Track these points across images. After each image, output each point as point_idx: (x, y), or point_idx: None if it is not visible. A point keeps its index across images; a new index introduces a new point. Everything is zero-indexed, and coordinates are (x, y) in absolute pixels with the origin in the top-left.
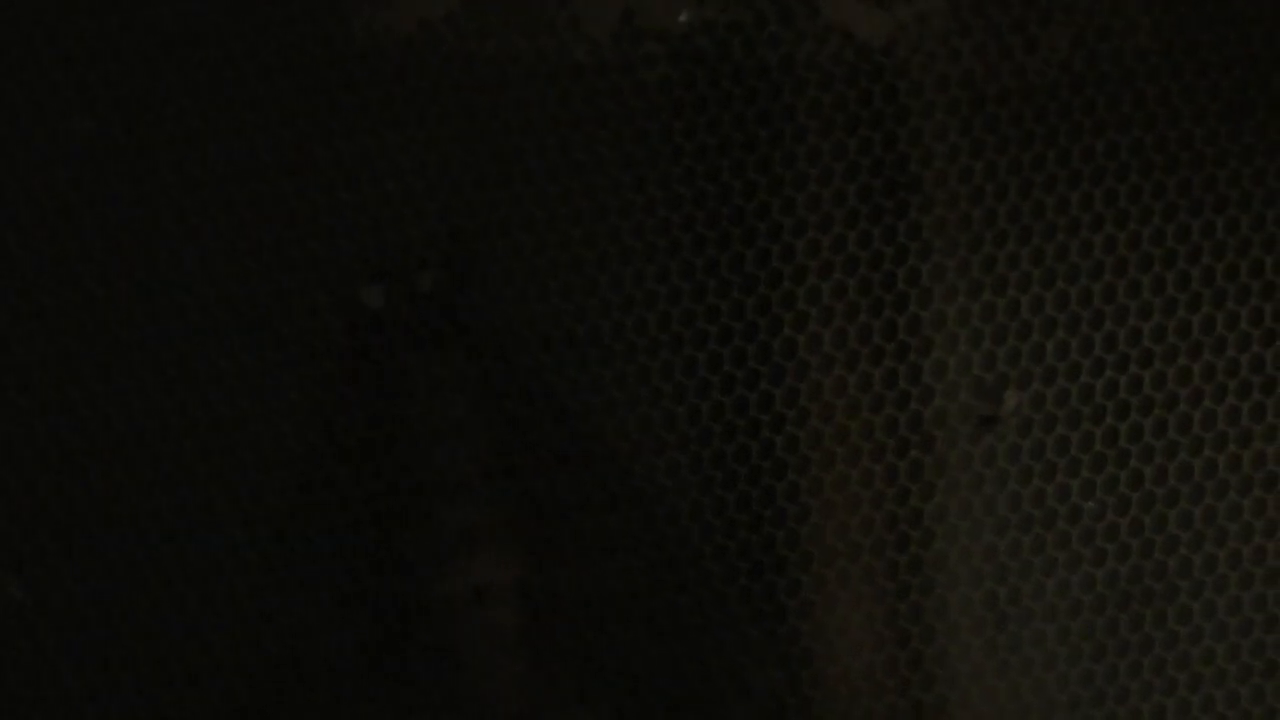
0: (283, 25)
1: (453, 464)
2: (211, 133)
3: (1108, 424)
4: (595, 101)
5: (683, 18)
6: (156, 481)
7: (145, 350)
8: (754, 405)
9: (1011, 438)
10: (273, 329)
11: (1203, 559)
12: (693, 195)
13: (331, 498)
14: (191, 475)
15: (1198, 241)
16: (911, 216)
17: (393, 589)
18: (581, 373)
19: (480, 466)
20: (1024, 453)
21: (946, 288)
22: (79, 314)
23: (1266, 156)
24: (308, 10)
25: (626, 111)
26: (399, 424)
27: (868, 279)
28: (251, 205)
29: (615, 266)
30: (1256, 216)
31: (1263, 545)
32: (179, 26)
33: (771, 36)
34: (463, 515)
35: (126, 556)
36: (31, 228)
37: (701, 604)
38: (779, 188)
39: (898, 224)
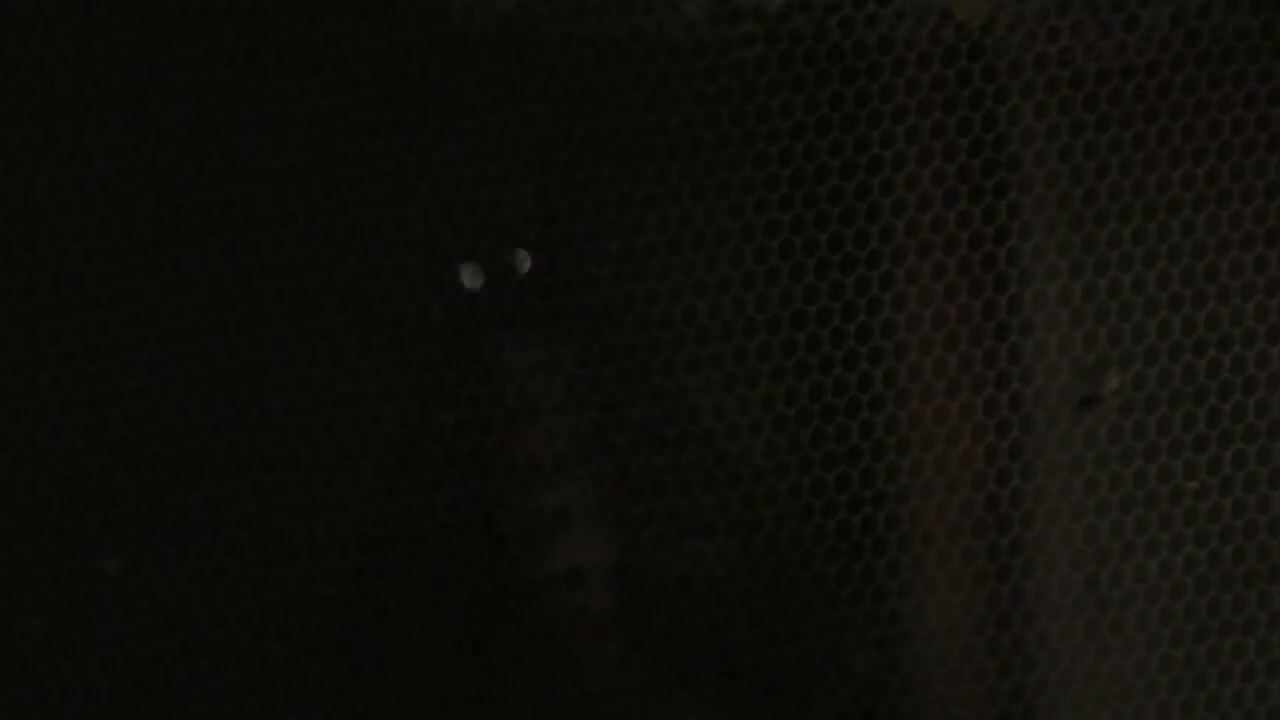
0: (381, 7)
1: (549, 445)
2: (309, 114)
3: (1210, 404)
4: (692, 81)
5: None
6: (255, 463)
7: (243, 332)
8: (853, 386)
9: (1113, 418)
10: (370, 311)
11: None
12: (790, 175)
13: (428, 480)
14: (290, 457)
15: None
16: (1012, 196)
17: (490, 571)
18: (678, 353)
19: (577, 448)
20: (1126, 433)
21: (1047, 267)
22: (179, 297)
23: None
24: None
25: (723, 91)
26: (496, 405)
27: (968, 259)
28: (349, 187)
29: (712, 247)
30: None
31: None
32: (277, 7)
33: (869, 16)
34: (560, 497)
35: (226, 538)
36: (129, 210)
37: (800, 585)
38: (878, 167)
39: (998, 203)
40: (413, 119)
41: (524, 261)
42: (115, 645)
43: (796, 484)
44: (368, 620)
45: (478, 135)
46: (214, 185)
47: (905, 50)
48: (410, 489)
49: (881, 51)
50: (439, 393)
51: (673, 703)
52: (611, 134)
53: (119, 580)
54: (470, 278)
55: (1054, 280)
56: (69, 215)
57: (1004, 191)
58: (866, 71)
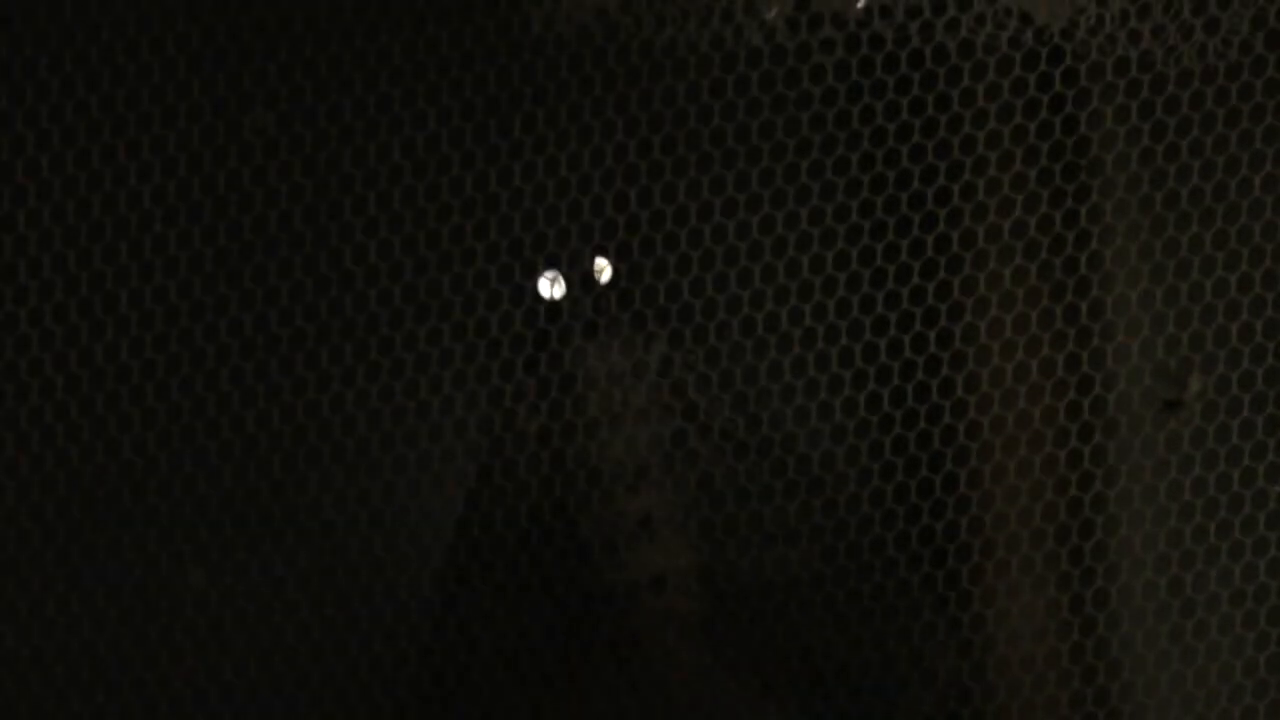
0: (462, 16)
1: (632, 453)
2: (391, 124)
3: None
4: (771, 87)
5: (860, 3)
6: (339, 474)
7: (324, 340)
8: (935, 391)
9: (1196, 422)
10: (452, 319)
11: None
12: (871, 180)
13: (512, 487)
14: (374, 468)
15: None
16: (1093, 200)
17: (573, 578)
18: (760, 360)
19: (660, 455)
20: (1209, 437)
21: (1129, 271)
22: (260, 305)
23: None
24: (487, 2)
25: (804, 97)
26: (578, 412)
27: (1049, 263)
28: (430, 196)
29: (793, 252)
30: None
31: None
32: (358, 20)
33: (950, 20)
34: (643, 504)
35: (310, 547)
36: (213, 221)
37: (883, 591)
38: (958, 173)
39: (1079, 208)
40: (493, 127)
41: (605, 269)
42: (199, 654)
43: (879, 490)
44: (452, 627)
45: (557, 143)
46: (295, 195)
47: (986, 55)
48: (494, 497)
49: (962, 56)
50: (521, 401)
51: (756, 708)
52: (691, 141)
53: (203, 591)
54: (551, 287)
55: (1136, 284)
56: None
57: (1085, 196)
58: (947, 76)
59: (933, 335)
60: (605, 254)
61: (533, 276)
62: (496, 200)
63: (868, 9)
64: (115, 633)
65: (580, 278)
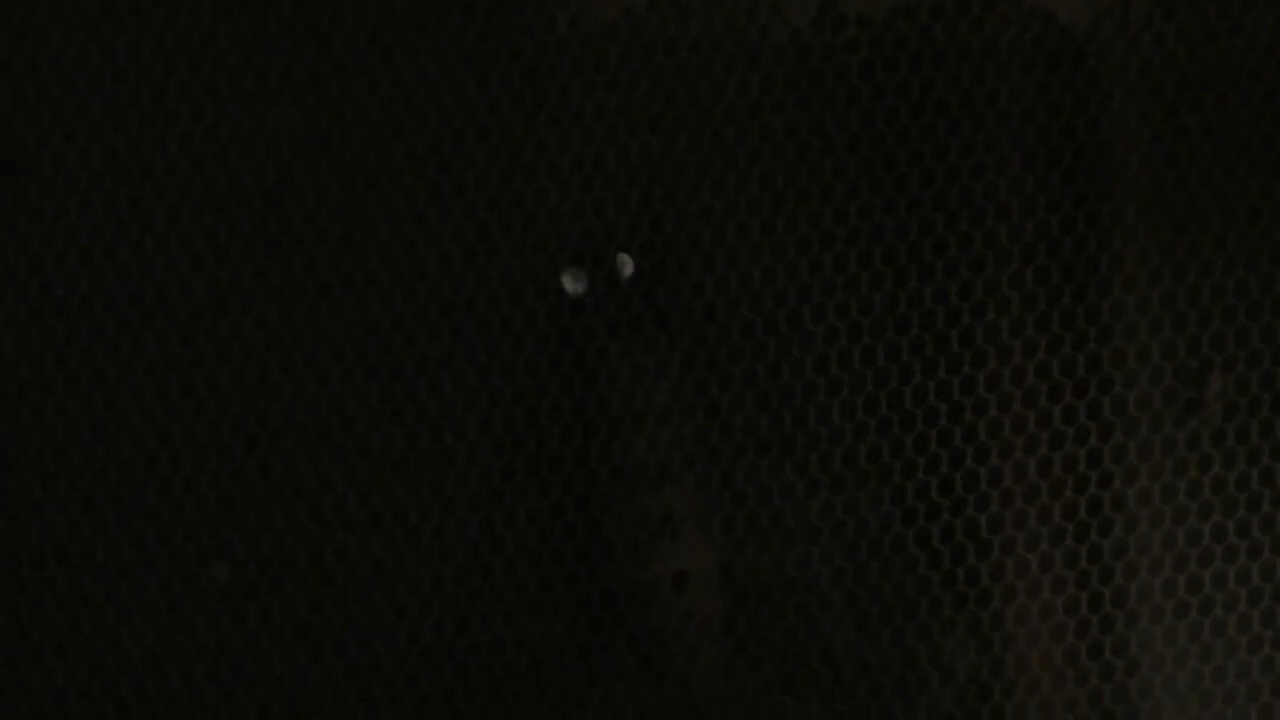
0: (487, 14)
1: (654, 450)
2: (416, 121)
3: None
4: (797, 87)
5: (887, 2)
6: (363, 470)
7: (350, 337)
8: (956, 390)
9: (1216, 422)
10: (476, 316)
11: None
12: (895, 180)
13: (535, 484)
14: (398, 462)
15: None
16: (1115, 200)
17: (595, 575)
18: (783, 358)
19: (682, 452)
20: (1228, 436)
21: (1151, 271)
22: (284, 302)
23: None
24: (512, 1)
25: (829, 97)
26: (601, 410)
27: (1072, 263)
28: (455, 193)
29: (817, 251)
30: None
31: None
32: (383, 17)
33: (974, 21)
34: (665, 501)
35: (334, 543)
36: (239, 218)
37: (903, 589)
38: (981, 172)
39: (1101, 208)
40: (517, 125)
41: (628, 267)
42: (224, 649)
43: (900, 488)
44: (474, 624)
45: (582, 141)
46: (320, 192)
47: (1010, 55)
48: (516, 494)
49: (986, 56)
50: (544, 398)
51: (777, 705)
52: (716, 139)
53: (228, 586)
54: (574, 283)
55: (1157, 284)
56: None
57: (1108, 196)
58: (971, 76)
59: (955, 333)
60: (629, 251)
61: (556, 274)
62: (520, 198)
63: (893, 9)
64: (138, 627)
65: (604, 275)
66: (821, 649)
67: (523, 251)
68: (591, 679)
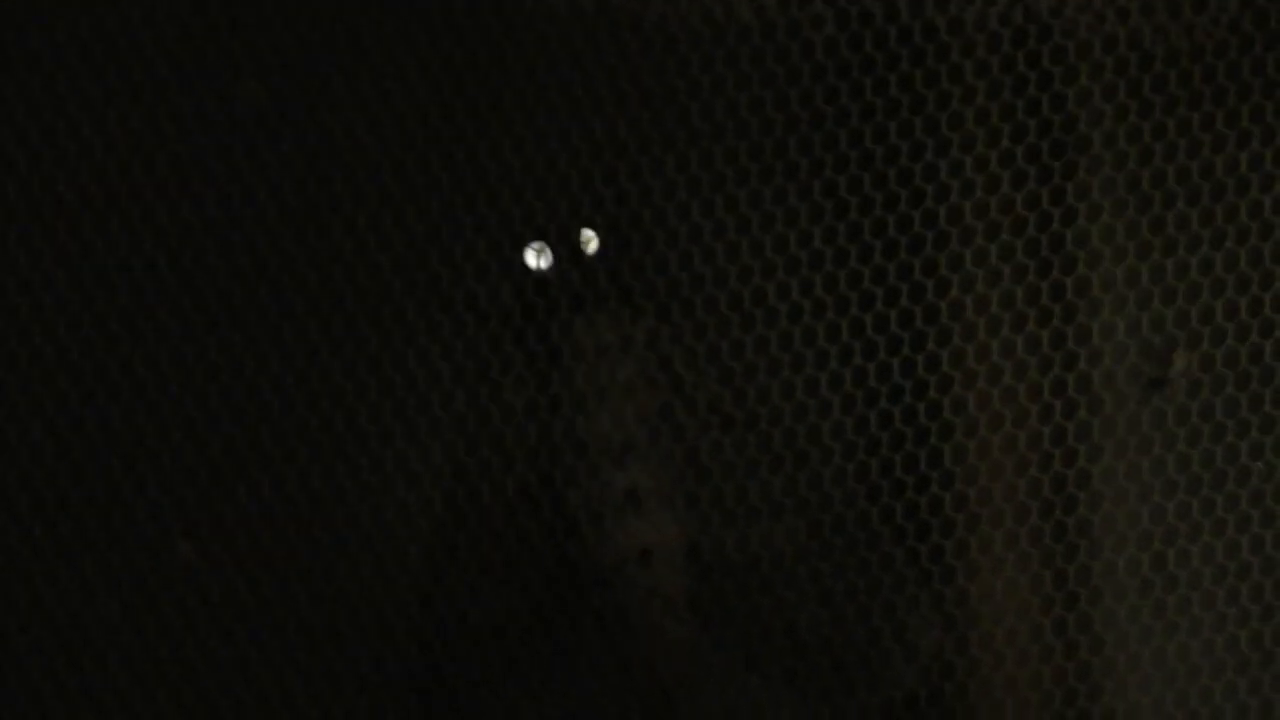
0: None
1: (618, 427)
2: (380, 98)
3: (1277, 384)
4: (761, 63)
5: None
6: (325, 447)
7: (313, 315)
8: (920, 367)
9: (1180, 399)
10: (440, 291)
11: None
12: (859, 157)
13: (498, 462)
14: (360, 440)
15: None
16: (1080, 177)
17: (559, 553)
18: (746, 334)
19: (646, 429)
20: (1192, 414)
21: (1114, 249)
22: (247, 280)
23: None
24: None
25: (793, 73)
26: (565, 387)
27: (1035, 240)
28: (419, 168)
29: (780, 228)
30: None
31: None
32: None
33: None
34: (629, 478)
35: (297, 520)
36: (203, 194)
37: (867, 566)
38: (946, 149)
39: (1066, 185)
40: (482, 100)
41: (592, 243)
42: (187, 628)
43: (864, 465)
44: (437, 602)
45: (547, 116)
46: (283, 169)
47: (974, 32)
48: (479, 471)
49: (950, 33)
50: (508, 374)
51: (741, 682)
52: (680, 115)
53: (191, 563)
54: (538, 258)
55: (1121, 261)
56: (157, 201)
57: (1071, 173)
58: (935, 53)
59: (918, 311)
60: (593, 227)
61: (520, 250)
62: (484, 173)
63: None
64: (103, 609)
65: (568, 251)
66: (786, 626)
67: (487, 227)
68: (556, 655)
